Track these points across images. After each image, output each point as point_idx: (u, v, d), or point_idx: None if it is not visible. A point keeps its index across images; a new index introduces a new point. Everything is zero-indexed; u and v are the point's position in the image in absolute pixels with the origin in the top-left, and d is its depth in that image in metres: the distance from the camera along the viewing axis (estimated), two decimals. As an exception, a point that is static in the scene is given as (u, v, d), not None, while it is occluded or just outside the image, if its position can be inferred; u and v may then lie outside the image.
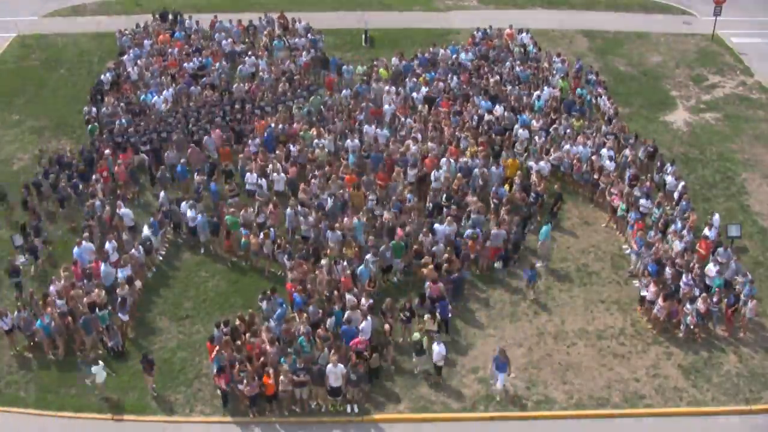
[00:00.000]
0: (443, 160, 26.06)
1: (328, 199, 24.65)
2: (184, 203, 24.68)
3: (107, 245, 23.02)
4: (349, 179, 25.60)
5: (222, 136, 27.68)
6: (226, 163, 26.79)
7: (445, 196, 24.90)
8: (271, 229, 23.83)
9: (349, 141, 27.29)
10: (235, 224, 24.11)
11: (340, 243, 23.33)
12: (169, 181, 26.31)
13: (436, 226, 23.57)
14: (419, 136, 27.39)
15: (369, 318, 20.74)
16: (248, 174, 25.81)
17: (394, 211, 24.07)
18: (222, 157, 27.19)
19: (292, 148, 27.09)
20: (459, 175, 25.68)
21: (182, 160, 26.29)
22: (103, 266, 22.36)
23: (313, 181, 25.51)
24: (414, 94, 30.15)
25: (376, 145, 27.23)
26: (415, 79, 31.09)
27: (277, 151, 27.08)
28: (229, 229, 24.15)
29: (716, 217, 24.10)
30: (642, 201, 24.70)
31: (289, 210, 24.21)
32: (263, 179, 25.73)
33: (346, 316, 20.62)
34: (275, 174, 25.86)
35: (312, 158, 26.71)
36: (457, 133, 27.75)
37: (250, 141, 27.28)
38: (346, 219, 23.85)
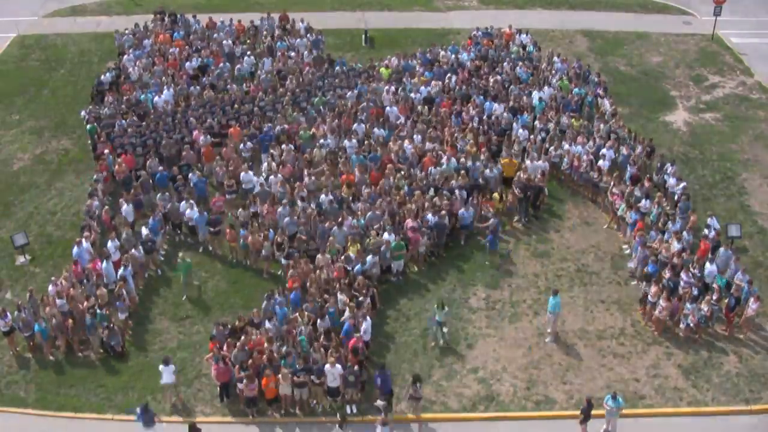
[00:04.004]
0: (443, 159, 26.19)
1: (325, 197, 24.69)
2: (183, 203, 24.72)
3: (109, 244, 23.04)
4: (344, 178, 25.61)
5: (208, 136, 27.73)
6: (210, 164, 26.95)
7: (432, 189, 25.09)
8: (270, 230, 23.83)
9: (346, 141, 27.29)
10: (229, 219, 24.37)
11: (345, 240, 23.38)
12: (151, 188, 25.79)
13: (428, 216, 23.95)
14: (418, 137, 27.41)
15: (368, 318, 20.77)
16: (243, 174, 25.82)
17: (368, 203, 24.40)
18: (206, 157, 27.16)
19: (284, 147, 27.08)
20: (463, 172, 25.74)
21: (160, 169, 26.06)
22: (104, 264, 22.37)
23: (306, 179, 25.47)
24: (412, 95, 30.14)
25: (374, 145, 27.25)
26: (414, 80, 31.08)
27: (272, 150, 27.06)
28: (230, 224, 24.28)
29: (714, 219, 24.08)
30: (642, 201, 24.70)
31: (280, 208, 24.25)
32: (260, 178, 25.70)
33: (346, 314, 20.63)
34: (272, 176, 25.80)
35: (307, 158, 26.67)
36: (456, 133, 27.79)
37: (241, 146, 27.26)
38: (350, 218, 23.86)
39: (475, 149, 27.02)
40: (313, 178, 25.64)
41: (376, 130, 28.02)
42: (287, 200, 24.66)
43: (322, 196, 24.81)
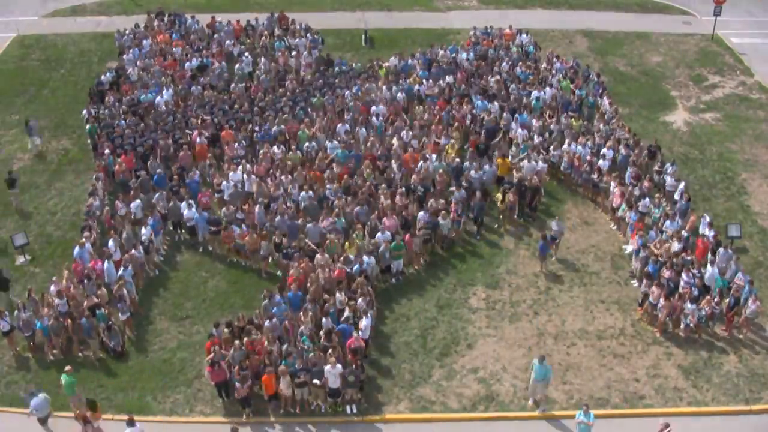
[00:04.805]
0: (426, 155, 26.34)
1: (305, 194, 24.72)
2: (183, 203, 24.73)
3: (110, 243, 23.05)
4: (312, 174, 25.70)
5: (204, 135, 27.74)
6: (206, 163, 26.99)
7: (414, 186, 25.27)
8: (246, 226, 23.83)
9: (328, 143, 27.28)
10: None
11: (319, 237, 23.46)
12: (150, 189, 25.69)
13: (420, 213, 24.11)
14: (404, 135, 27.49)
15: (369, 315, 20.77)
16: (231, 173, 25.84)
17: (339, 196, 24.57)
18: (198, 156, 27.16)
19: (276, 150, 27.03)
20: (440, 171, 25.80)
21: (159, 171, 26.00)
22: (105, 263, 22.39)
23: (282, 178, 25.47)
24: (399, 94, 30.10)
25: (356, 144, 27.29)
26: (410, 80, 31.06)
27: (262, 150, 27.05)
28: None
29: (707, 218, 24.05)
30: (642, 201, 24.70)
31: (257, 207, 24.24)
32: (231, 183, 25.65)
33: (346, 315, 20.65)
34: (245, 176, 25.66)
35: (284, 159, 26.63)
36: (444, 131, 27.80)
37: (236, 145, 27.26)
38: (327, 219, 23.87)
39: (455, 149, 26.97)
40: (289, 177, 25.65)
41: (357, 129, 28.02)
42: (262, 199, 24.60)
43: (302, 194, 24.79)
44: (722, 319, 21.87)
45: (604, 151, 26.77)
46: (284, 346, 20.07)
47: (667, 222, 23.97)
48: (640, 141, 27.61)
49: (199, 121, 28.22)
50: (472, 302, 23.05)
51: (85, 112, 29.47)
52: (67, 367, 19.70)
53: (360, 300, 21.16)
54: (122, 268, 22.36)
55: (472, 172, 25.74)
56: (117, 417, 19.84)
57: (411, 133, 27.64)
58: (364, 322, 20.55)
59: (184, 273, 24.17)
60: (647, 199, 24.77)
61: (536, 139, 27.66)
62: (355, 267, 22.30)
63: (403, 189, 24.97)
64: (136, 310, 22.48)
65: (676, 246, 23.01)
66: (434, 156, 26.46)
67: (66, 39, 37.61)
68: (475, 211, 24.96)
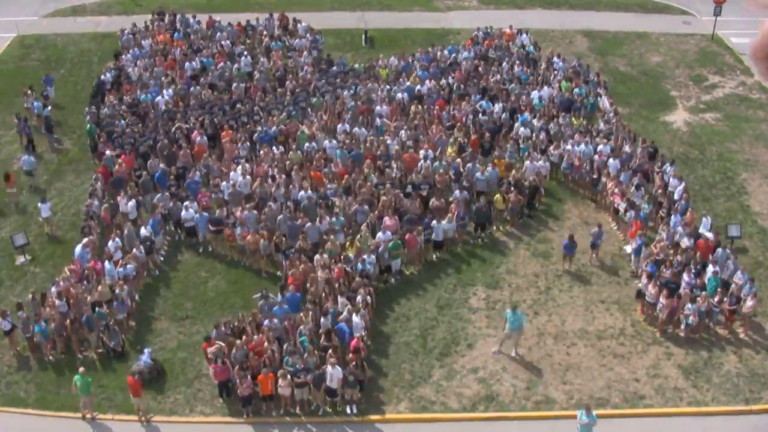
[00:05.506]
0: (422, 152, 26.37)
1: (304, 194, 24.70)
2: (183, 203, 24.69)
3: (110, 244, 23.04)
4: (313, 175, 25.70)
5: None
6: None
7: (410, 186, 25.25)
8: (239, 227, 23.81)
9: (327, 142, 27.29)
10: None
11: (320, 238, 23.44)
12: (151, 189, 25.76)
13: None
14: (402, 134, 27.49)
15: (362, 312, 20.79)
16: (232, 173, 25.83)
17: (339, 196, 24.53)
18: (197, 155, 27.13)
19: (275, 150, 27.03)
20: (441, 171, 25.80)
21: (159, 171, 25.91)
22: (107, 264, 22.38)
23: (279, 177, 25.46)
24: (399, 95, 30.10)
25: (356, 144, 27.29)
26: (410, 80, 31.08)
27: (262, 151, 27.03)
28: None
29: (706, 219, 24.04)
30: (640, 200, 24.69)
31: (246, 212, 24.14)
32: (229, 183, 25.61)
33: (344, 314, 20.65)
34: (240, 178, 25.58)
35: (283, 160, 26.63)
36: (444, 131, 27.78)
37: (239, 145, 27.25)
38: (326, 219, 23.87)
39: (454, 149, 26.97)
40: (284, 177, 25.57)
41: (356, 129, 28.00)
42: (249, 206, 24.50)
43: (301, 193, 24.77)
44: (722, 320, 21.85)
45: (601, 148, 26.72)
46: (285, 346, 20.08)
47: (672, 222, 23.94)
48: (645, 141, 27.55)
49: (199, 123, 28.18)
50: (472, 302, 23.05)
51: (85, 111, 29.43)
52: (81, 369, 19.69)
53: (359, 297, 21.16)
54: (122, 267, 22.36)
55: (478, 174, 25.69)
56: (117, 417, 19.86)
57: (408, 132, 27.64)
58: (355, 319, 20.54)
59: (184, 273, 24.17)
60: (641, 189, 24.72)
61: (537, 139, 27.66)
62: (357, 266, 22.29)
63: (409, 187, 24.95)
64: (133, 311, 22.43)
65: (686, 242, 22.98)
66: (433, 155, 26.42)
67: (66, 39, 37.60)
68: (475, 215, 24.93)
